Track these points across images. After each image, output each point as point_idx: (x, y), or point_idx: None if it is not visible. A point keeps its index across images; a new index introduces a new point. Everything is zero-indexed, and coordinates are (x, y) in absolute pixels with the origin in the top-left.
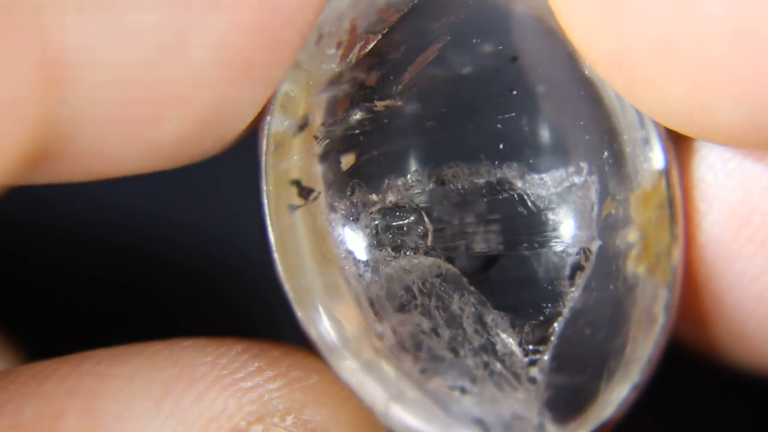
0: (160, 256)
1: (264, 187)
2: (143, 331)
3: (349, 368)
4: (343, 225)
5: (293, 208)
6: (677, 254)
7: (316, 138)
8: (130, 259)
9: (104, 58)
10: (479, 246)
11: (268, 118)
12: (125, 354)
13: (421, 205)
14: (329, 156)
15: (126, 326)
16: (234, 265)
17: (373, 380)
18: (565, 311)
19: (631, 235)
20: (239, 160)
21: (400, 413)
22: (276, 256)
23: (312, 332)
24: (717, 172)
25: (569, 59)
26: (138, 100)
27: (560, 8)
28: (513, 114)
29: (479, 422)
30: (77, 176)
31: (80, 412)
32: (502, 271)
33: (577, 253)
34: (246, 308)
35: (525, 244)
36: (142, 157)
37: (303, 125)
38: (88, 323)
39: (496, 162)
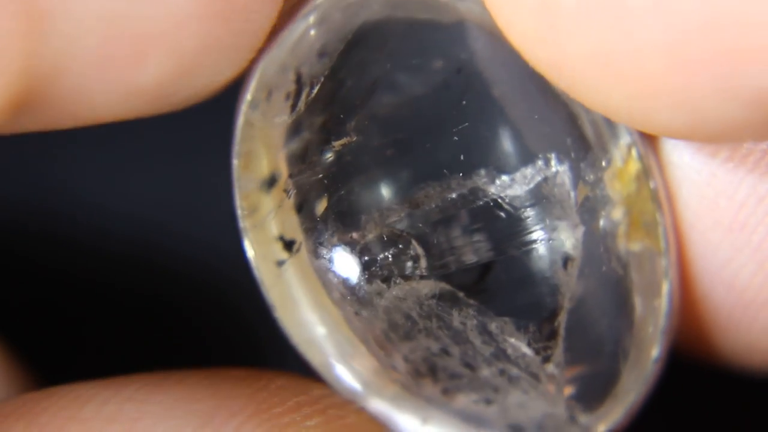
0: (164, 265)
1: (249, 252)
2: (152, 342)
3: (375, 407)
4: (330, 269)
5: (281, 263)
6: (665, 220)
7: (286, 191)
8: (135, 268)
9: (84, 3)
10: (469, 258)
11: (236, 181)
12: (166, 382)
13: (401, 232)
14: (303, 205)
15: (134, 339)
16: (238, 276)
17: (401, 413)
18: (566, 302)
19: (615, 213)
20: None
21: None
22: (278, 315)
23: (331, 381)
24: (682, 153)
25: (513, 57)
26: (118, 43)
27: (498, 16)
28: (467, 124)
29: (514, 428)
30: (60, 123)
31: None
32: (497, 277)
33: (564, 244)
34: (249, 320)
35: (512, 247)
36: (124, 101)
37: (271, 182)
38: (93, 332)
39: (462, 174)
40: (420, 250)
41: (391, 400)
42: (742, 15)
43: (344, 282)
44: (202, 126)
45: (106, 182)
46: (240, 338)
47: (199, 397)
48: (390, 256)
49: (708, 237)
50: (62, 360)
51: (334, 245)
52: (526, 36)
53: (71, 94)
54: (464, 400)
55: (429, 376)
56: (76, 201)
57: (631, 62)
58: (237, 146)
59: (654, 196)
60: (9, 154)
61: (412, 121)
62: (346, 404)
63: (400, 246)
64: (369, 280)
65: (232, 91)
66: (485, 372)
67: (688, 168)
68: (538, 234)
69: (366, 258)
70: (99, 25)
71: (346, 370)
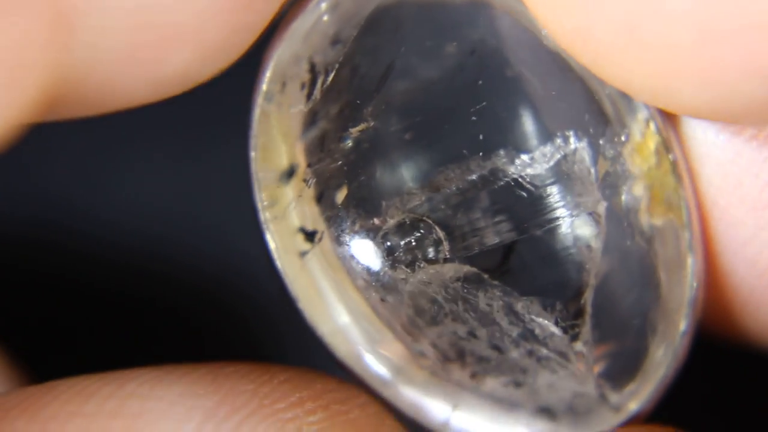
0: (169, 265)
1: (271, 245)
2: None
3: (405, 394)
4: (354, 256)
5: (304, 254)
6: (686, 193)
7: (305, 181)
8: (135, 267)
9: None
10: (491, 239)
11: (254, 174)
12: (169, 376)
13: (423, 216)
14: (323, 194)
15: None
16: (243, 275)
17: (431, 399)
18: (591, 279)
19: (636, 188)
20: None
21: (466, 424)
22: (301, 306)
23: (360, 372)
24: (706, 129)
25: (527, 35)
26: (145, 36)
27: None
28: (484, 103)
29: (544, 410)
30: (89, 112)
31: None
32: (521, 258)
33: (587, 220)
34: (251, 313)
35: (535, 226)
36: (150, 89)
37: (290, 173)
38: (93, 331)
39: (482, 154)
40: (442, 234)
41: (420, 387)
42: None
43: (368, 269)
44: (208, 119)
45: (109, 178)
46: (239, 339)
47: (202, 392)
48: (413, 240)
49: (731, 214)
50: (62, 358)
51: (357, 232)
52: (551, 8)
53: (100, 86)
54: (493, 383)
55: (457, 361)
56: (79, 196)
57: (657, 35)
58: (254, 139)
59: (674, 170)
60: (12, 157)
61: (429, 104)
62: (350, 399)
63: (423, 230)
64: (393, 266)
65: (244, 83)
66: (513, 353)
67: (712, 145)
68: (560, 212)
69: (389, 243)
70: (127, 19)
71: (375, 358)
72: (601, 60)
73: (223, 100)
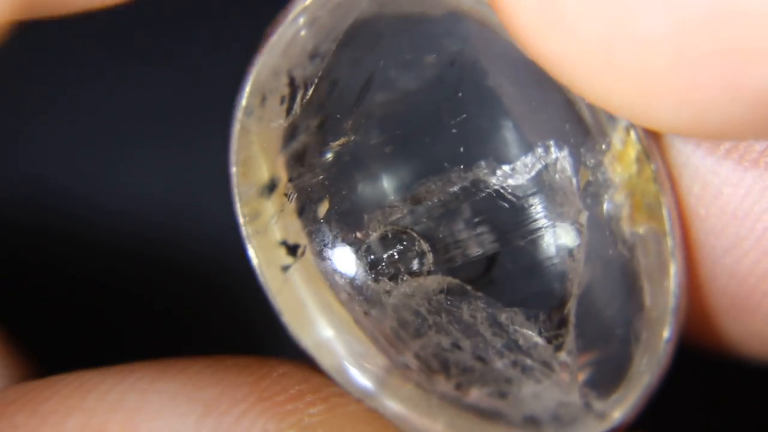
0: (163, 260)
1: (254, 259)
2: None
3: (391, 408)
4: (336, 270)
5: (286, 268)
6: (668, 200)
7: (286, 195)
8: (133, 263)
9: None
10: (474, 250)
11: (235, 188)
12: (169, 370)
13: (407, 228)
14: (304, 209)
15: (130, 332)
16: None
17: (415, 412)
18: (574, 289)
19: (618, 196)
20: None
21: None
22: (285, 319)
23: (344, 383)
24: (686, 141)
25: (506, 46)
26: None
27: (500, 10)
28: (464, 115)
29: (529, 420)
30: (67, 9)
31: (122, 427)
32: (504, 268)
33: (569, 230)
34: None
35: (517, 236)
36: None
37: (271, 187)
38: (90, 326)
39: (463, 166)
40: (425, 246)
41: (405, 399)
42: (746, 14)
43: (351, 282)
44: (200, 127)
45: (109, 182)
46: (242, 339)
47: (202, 385)
48: (395, 253)
49: (711, 223)
50: (62, 354)
51: (339, 246)
52: (528, 31)
53: None
54: (478, 394)
55: (441, 372)
56: (79, 199)
57: (634, 57)
58: (234, 154)
59: (656, 178)
60: (12, 153)
61: (409, 117)
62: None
63: (405, 243)
64: (376, 279)
65: (228, 94)
66: (498, 364)
67: (692, 156)
68: (542, 222)
69: (371, 257)
70: None
71: (359, 371)
72: (579, 82)
73: (214, 98)
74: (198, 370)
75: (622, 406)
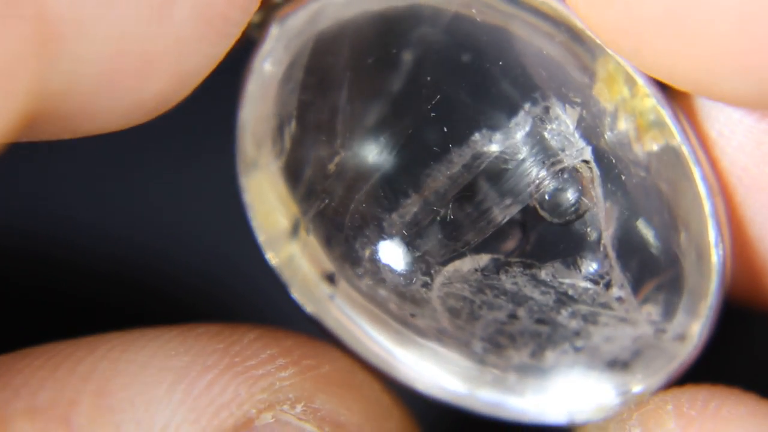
0: (156, 262)
1: (302, 304)
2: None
3: (485, 399)
4: (376, 284)
5: (332, 297)
6: (671, 111)
7: (306, 231)
8: (127, 264)
9: (95, 25)
10: (494, 220)
11: (260, 238)
12: (140, 340)
13: (424, 221)
14: (326, 236)
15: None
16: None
17: (510, 394)
18: (602, 225)
19: (619, 123)
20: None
21: (544, 408)
22: (356, 350)
23: (431, 394)
24: (730, 113)
25: (461, 18)
26: (125, 63)
27: None
28: (438, 96)
29: (614, 363)
30: (65, 135)
31: (93, 398)
32: (528, 228)
33: (577, 170)
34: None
35: (531, 193)
36: (127, 114)
37: (294, 228)
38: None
39: (458, 144)
40: (447, 232)
41: (495, 387)
42: None
43: (392, 291)
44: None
45: (108, 189)
46: None
47: (173, 353)
48: (421, 248)
49: (764, 182)
50: None
51: (368, 261)
52: (591, 4)
53: (79, 111)
54: (554, 356)
55: (510, 346)
56: (76, 208)
57: (702, 24)
58: (248, 205)
59: (651, 92)
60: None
61: (391, 116)
62: (321, 354)
63: (427, 236)
64: (412, 280)
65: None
66: (559, 321)
67: (746, 114)
68: (550, 171)
69: (400, 260)
70: (108, 46)
71: (444, 374)
72: (644, 51)
73: (212, 104)
74: (168, 339)
75: (695, 321)
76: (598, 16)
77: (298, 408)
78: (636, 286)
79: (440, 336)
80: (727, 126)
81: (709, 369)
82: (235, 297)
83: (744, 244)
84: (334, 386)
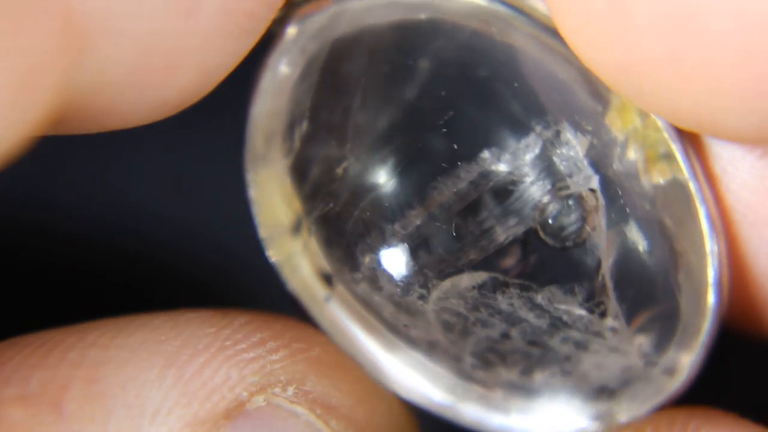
0: (150, 251)
1: (298, 296)
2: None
3: (468, 414)
4: (372, 291)
5: (328, 299)
6: (683, 146)
7: (309, 231)
8: (120, 255)
9: (123, 23)
10: (496, 240)
11: (262, 232)
12: (129, 326)
13: (425, 234)
14: (327, 239)
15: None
16: (226, 263)
17: (491, 410)
18: (603, 254)
19: (629, 152)
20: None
21: (527, 424)
22: (346, 351)
23: (419, 402)
24: (734, 149)
25: (480, 37)
26: (152, 60)
27: (563, 21)
28: (451, 112)
29: (601, 391)
30: (90, 130)
31: (85, 383)
32: (529, 251)
33: (583, 198)
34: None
35: (535, 216)
36: (152, 111)
37: (297, 227)
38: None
39: (467, 162)
40: (447, 247)
41: (478, 400)
42: None
43: (388, 300)
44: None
45: (117, 181)
46: None
47: (164, 338)
48: (420, 261)
49: (761, 226)
50: None
51: (366, 267)
52: (591, 40)
53: (106, 107)
54: (543, 376)
55: (500, 364)
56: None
57: (704, 63)
58: (253, 200)
59: (664, 125)
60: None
61: (405, 125)
62: (311, 337)
63: (427, 249)
64: (409, 291)
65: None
66: (551, 344)
67: (740, 162)
68: (555, 195)
69: (399, 270)
70: (135, 44)
71: (430, 386)
72: (646, 91)
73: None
74: (158, 324)
75: (685, 358)
76: (598, 58)
77: (290, 391)
78: (630, 316)
79: (431, 347)
80: (731, 163)
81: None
82: (236, 291)
83: (746, 279)
84: (325, 368)
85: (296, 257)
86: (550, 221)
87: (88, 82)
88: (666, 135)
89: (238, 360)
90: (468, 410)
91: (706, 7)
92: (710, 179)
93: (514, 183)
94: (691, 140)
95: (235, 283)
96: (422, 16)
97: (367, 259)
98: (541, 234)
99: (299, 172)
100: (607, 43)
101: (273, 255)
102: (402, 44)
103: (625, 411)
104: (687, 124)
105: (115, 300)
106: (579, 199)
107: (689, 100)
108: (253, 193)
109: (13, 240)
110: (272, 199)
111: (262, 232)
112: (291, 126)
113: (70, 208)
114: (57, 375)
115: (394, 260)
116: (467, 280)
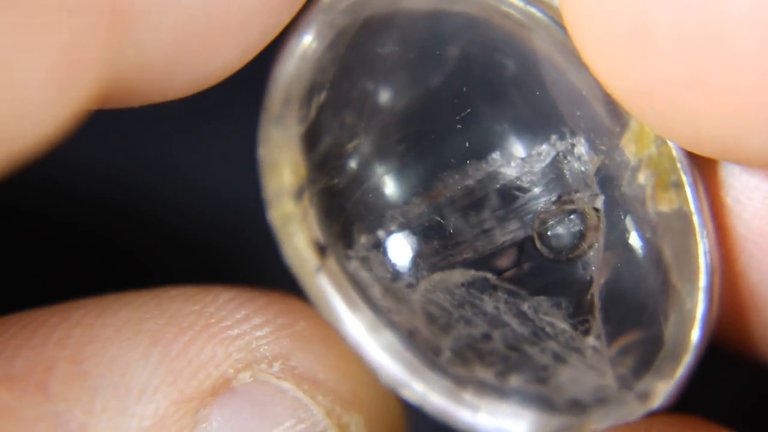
0: (149, 211)
1: (288, 260)
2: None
3: (434, 402)
4: (360, 271)
5: (318, 269)
6: (692, 178)
7: (310, 199)
8: (120, 213)
9: (166, 3)
10: (494, 241)
11: (266, 193)
12: (114, 304)
13: (424, 224)
14: (328, 211)
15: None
16: (227, 222)
17: (456, 403)
18: (596, 274)
19: (639, 177)
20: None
21: (495, 423)
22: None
23: (381, 376)
24: (749, 176)
25: (511, 38)
26: (194, 37)
27: (584, 46)
28: (469, 110)
29: (573, 403)
30: (137, 103)
31: (70, 363)
32: (525, 257)
33: (586, 215)
34: (238, 265)
35: (534, 225)
36: (193, 84)
37: (300, 193)
38: (73, 276)
39: (477, 160)
40: (444, 241)
41: (445, 391)
42: None
43: (376, 282)
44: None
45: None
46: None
47: (148, 317)
48: (415, 250)
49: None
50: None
51: (361, 247)
52: (615, 65)
53: (148, 83)
54: (518, 381)
55: (478, 362)
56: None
57: (728, 85)
58: (261, 159)
59: (678, 155)
60: None
61: (421, 114)
62: (296, 312)
63: (424, 239)
64: (398, 277)
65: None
66: (531, 352)
67: (754, 192)
68: (559, 208)
69: (393, 255)
70: (177, 21)
71: (393, 363)
72: (668, 113)
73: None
74: (143, 302)
75: (661, 386)
76: (619, 82)
77: (276, 366)
78: (612, 337)
79: (411, 335)
80: (744, 192)
81: None
82: (243, 252)
83: (760, 305)
84: (311, 343)
85: (294, 224)
86: (548, 232)
87: (133, 61)
88: (678, 165)
89: (223, 337)
90: (436, 401)
91: (731, 28)
92: (719, 210)
93: (520, 188)
94: (702, 172)
95: (249, 246)
96: (457, 8)
97: (362, 239)
98: (537, 243)
99: (311, 140)
100: (629, 67)
101: (272, 217)
102: (433, 33)
103: (595, 426)
104: (708, 149)
105: (129, 262)
106: (581, 215)
107: (712, 124)
108: (263, 152)
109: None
110: (280, 161)
111: (266, 193)
112: (310, 93)
113: (86, 167)
114: (42, 355)
115: (389, 245)
116: (458, 276)
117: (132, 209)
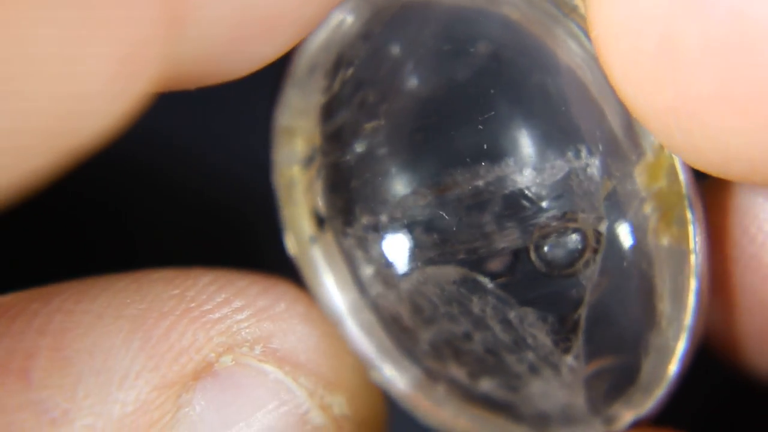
0: (154, 180)
1: (283, 225)
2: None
3: (399, 388)
4: (356, 251)
5: (313, 240)
6: (696, 217)
7: (318, 171)
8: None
9: None
10: (493, 245)
11: (275, 155)
12: (93, 289)
13: (427, 216)
14: (333, 186)
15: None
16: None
17: (424, 395)
18: (587, 296)
19: (646, 208)
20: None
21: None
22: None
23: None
24: (758, 197)
25: (545, 51)
26: (249, 26)
27: (612, 64)
28: (493, 113)
29: (540, 416)
30: (188, 87)
31: (51, 351)
32: (521, 267)
33: (588, 237)
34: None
35: (535, 237)
36: (245, 69)
37: (307, 160)
38: (77, 247)
39: (490, 162)
40: (444, 236)
41: (411, 382)
42: None
43: (369, 264)
44: None
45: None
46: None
47: (128, 301)
48: (414, 240)
49: None
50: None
51: (361, 227)
52: (642, 83)
53: (203, 69)
54: (489, 385)
55: (453, 359)
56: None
57: (758, 97)
58: (277, 122)
59: (687, 193)
60: None
61: (443, 107)
62: (276, 292)
63: (424, 231)
64: (393, 264)
65: None
66: (507, 359)
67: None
68: (562, 226)
69: (391, 241)
70: (232, 11)
71: (367, 340)
72: (695, 132)
73: None
74: (122, 287)
75: (628, 414)
76: (646, 100)
77: (257, 349)
78: (589, 358)
79: (393, 321)
80: None
81: None
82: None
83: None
84: (292, 324)
85: (298, 190)
86: (545, 247)
87: (190, 53)
88: (686, 202)
89: (204, 321)
90: (403, 388)
91: (761, 39)
92: (723, 250)
93: (528, 198)
94: (716, 206)
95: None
96: (496, 8)
97: (364, 220)
98: (532, 255)
99: (329, 113)
100: (656, 84)
101: (277, 180)
102: (468, 28)
103: None
104: (736, 169)
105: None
106: (583, 235)
107: (741, 140)
108: (280, 116)
109: None
110: (297, 128)
111: (276, 156)
112: (336, 66)
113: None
114: (23, 343)
115: (389, 231)
116: (451, 273)
117: (121, 185)
